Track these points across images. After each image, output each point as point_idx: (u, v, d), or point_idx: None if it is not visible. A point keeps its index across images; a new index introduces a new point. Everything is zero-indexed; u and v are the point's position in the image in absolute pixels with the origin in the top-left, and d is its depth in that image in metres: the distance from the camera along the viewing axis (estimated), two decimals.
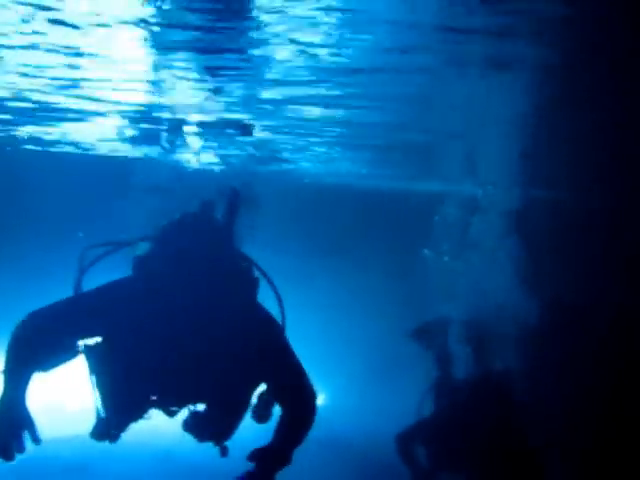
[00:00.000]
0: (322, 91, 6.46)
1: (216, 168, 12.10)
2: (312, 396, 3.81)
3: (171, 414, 3.77)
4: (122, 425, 3.76)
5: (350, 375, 12.74)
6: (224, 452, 3.79)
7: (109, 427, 3.71)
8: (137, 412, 3.73)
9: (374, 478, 7.79)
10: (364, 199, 12.66)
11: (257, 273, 3.68)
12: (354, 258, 12.75)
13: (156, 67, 5.95)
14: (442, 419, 6.67)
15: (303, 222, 12.66)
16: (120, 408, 3.68)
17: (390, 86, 6.26)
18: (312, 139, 9.34)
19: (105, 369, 3.59)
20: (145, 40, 5.08)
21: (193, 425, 3.73)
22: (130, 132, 9.38)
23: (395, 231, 12.20)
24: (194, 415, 3.72)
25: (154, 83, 6.59)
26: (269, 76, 6.01)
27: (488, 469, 6.41)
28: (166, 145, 9.69)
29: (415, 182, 12.09)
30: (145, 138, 9.47)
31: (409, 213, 11.44)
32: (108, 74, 6.14)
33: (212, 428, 3.75)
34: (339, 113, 7.55)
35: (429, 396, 7.06)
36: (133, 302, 3.48)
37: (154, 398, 3.68)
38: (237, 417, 3.75)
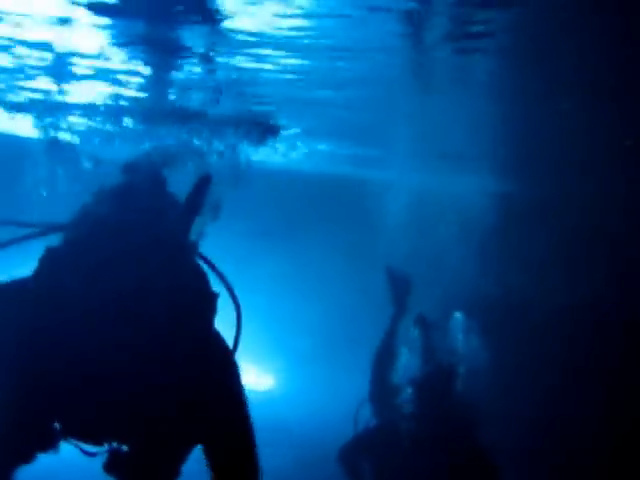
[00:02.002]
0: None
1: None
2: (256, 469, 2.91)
3: (88, 453, 2.87)
4: (17, 460, 2.83)
5: (296, 358, 12.71)
6: None
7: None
8: (35, 443, 2.81)
9: (317, 463, 7.71)
10: (313, 183, 12.59)
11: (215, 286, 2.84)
12: (302, 242, 12.69)
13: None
14: (386, 431, 6.25)
15: (251, 203, 12.48)
16: (11, 436, 2.77)
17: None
18: None
19: None
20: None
21: (113, 467, 2.87)
22: None
23: (344, 216, 12.19)
24: (115, 455, 2.86)
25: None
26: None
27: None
28: None
29: (366, 169, 12.11)
30: None
31: (358, 199, 11.48)
32: None
33: (139, 475, 2.89)
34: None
35: (368, 403, 6.78)
36: (28, 306, 2.69)
37: (58, 427, 2.81)
38: (174, 464, 2.87)
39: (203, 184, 2.79)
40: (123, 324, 2.58)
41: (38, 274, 2.71)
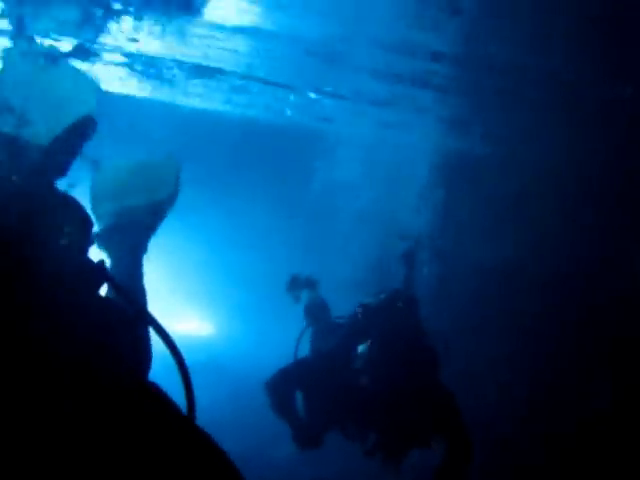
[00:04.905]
0: None
1: None
2: None
3: None
4: None
5: (235, 305, 12.97)
6: None
7: None
8: None
9: (251, 398, 7.93)
10: (255, 132, 12.54)
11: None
12: (242, 192, 12.75)
13: None
14: (323, 361, 5.52)
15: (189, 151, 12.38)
16: None
17: None
18: None
19: None
20: None
21: None
22: None
23: (284, 168, 12.25)
24: None
25: None
26: None
27: (390, 424, 5.08)
28: None
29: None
30: None
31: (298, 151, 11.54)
32: None
33: None
34: None
35: (307, 337, 6.33)
36: None
37: None
38: None
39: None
40: None
41: None
